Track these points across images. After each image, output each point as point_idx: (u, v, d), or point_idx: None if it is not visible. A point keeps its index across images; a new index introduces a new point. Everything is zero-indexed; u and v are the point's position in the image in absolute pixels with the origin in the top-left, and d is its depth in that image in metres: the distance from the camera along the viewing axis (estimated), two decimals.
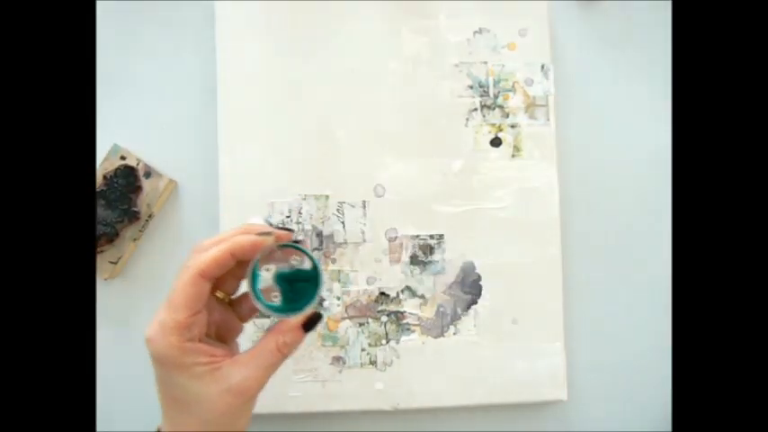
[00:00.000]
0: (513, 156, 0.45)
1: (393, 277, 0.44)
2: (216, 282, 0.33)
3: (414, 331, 0.44)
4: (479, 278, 0.45)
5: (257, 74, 0.45)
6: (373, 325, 0.44)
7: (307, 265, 0.33)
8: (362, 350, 0.44)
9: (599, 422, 0.46)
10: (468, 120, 0.46)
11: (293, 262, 0.33)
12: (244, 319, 0.36)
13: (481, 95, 0.46)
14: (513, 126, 0.46)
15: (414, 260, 0.45)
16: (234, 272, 0.33)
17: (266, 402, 0.43)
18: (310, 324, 0.33)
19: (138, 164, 0.45)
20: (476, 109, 0.46)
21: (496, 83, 0.46)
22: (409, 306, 0.44)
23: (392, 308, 0.44)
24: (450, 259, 0.45)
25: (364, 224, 0.44)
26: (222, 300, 0.35)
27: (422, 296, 0.44)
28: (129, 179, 0.44)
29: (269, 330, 0.33)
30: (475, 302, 0.45)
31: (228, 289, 0.35)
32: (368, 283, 0.44)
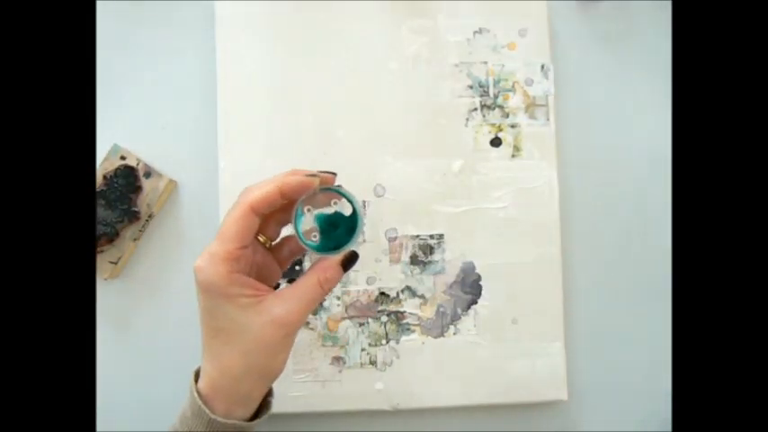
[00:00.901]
0: (513, 156, 0.45)
1: (393, 277, 0.44)
2: (259, 226, 0.34)
3: (414, 331, 0.44)
4: (479, 278, 0.45)
5: (257, 74, 0.45)
6: (373, 325, 0.44)
7: (346, 210, 0.35)
8: (362, 350, 0.44)
9: (599, 422, 0.46)
10: (468, 120, 0.46)
11: (333, 205, 0.35)
12: (283, 265, 0.38)
13: (481, 95, 0.46)
14: (513, 126, 0.46)
15: (414, 260, 0.45)
16: (277, 217, 0.36)
17: None
18: (349, 262, 0.35)
19: (138, 164, 0.45)
20: (476, 109, 0.46)
21: (496, 83, 0.46)
22: (409, 306, 0.44)
23: (392, 308, 0.44)
24: (450, 259, 0.45)
25: (364, 224, 0.44)
26: (264, 244, 0.36)
27: (422, 296, 0.44)
28: (128, 179, 0.45)
29: (310, 268, 0.35)
30: (475, 302, 0.45)
31: (271, 234, 0.37)
32: (368, 283, 0.44)
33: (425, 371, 0.44)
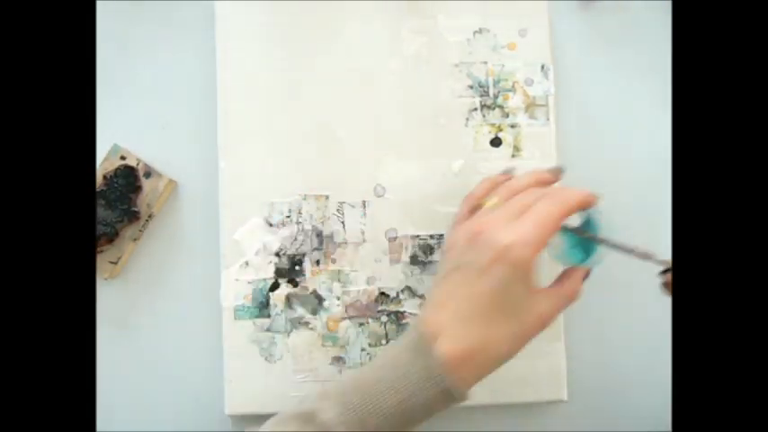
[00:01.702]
0: (513, 156, 0.45)
1: (393, 277, 0.44)
2: None
3: None
4: None
5: (257, 74, 0.45)
6: (373, 325, 0.44)
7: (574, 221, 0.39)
8: (362, 350, 0.44)
9: (599, 422, 0.46)
10: (468, 120, 0.46)
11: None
12: None
13: (481, 95, 0.46)
14: (513, 126, 0.46)
15: (414, 260, 0.45)
16: None
17: (266, 402, 0.43)
18: (587, 277, 0.38)
19: (138, 164, 0.45)
20: (476, 109, 0.46)
21: (496, 83, 0.46)
22: (409, 306, 0.44)
23: (392, 308, 0.44)
24: None
25: (364, 224, 0.44)
26: None
27: (422, 296, 0.44)
28: (128, 179, 0.45)
29: (562, 276, 0.38)
30: None
31: None
32: (368, 283, 0.44)
33: None
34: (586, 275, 0.38)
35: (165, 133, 0.46)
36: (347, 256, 0.44)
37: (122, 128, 0.46)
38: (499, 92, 0.46)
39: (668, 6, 0.47)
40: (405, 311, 0.44)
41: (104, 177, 0.44)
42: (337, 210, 0.45)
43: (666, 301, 0.45)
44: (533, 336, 0.35)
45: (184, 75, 0.47)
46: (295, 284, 0.44)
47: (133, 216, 0.44)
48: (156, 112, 0.47)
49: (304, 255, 0.44)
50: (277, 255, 0.44)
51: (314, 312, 0.44)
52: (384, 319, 0.44)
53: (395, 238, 0.45)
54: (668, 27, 0.47)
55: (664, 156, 0.47)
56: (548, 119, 0.46)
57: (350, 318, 0.44)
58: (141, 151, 0.46)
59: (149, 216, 0.45)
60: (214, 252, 0.44)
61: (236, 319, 0.44)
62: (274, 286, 0.44)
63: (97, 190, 0.44)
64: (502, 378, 0.44)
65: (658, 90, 0.47)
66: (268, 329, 0.44)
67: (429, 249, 0.45)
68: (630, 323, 0.46)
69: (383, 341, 0.44)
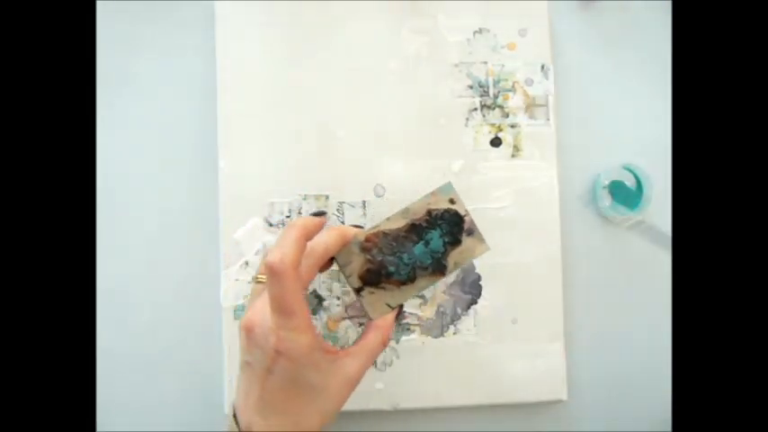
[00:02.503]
0: (513, 156, 0.45)
1: None
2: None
3: (414, 331, 0.44)
4: (479, 278, 0.45)
5: (257, 74, 0.45)
6: None
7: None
8: None
9: (599, 422, 0.46)
10: (468, 120, 0.46)
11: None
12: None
13: (481, 95, 0.46)
14: (512, 126, 0.46)
15: None
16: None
17: None
18: (398, 315, 0.38)
19: None
20: (476, 109, 0.46)
21: (496, 83, 0.46)
22: (409, 306, 0.44)
23: None
24: None
25: (364, 224, 0.44)
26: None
27: (422, 296, 0.44)
28: None
29: (371, 326, 0.37)
30: (475, 302, 0.45)
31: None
32: None
33: (425, 371, 0.44)
34: (398, 314, 0.38)
35: (165, 133, 0.46)
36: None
37: (122, 128, 0.46)
38: (499, 92, 0.46)
39: (668, 6, 0.47)
40: (405, 311, 0.44)
41: None
42: (337, 210, 0.45)
43: (666, 302, 0.45)
44: (346, 398, 0.35)
45: (184, 75, 0.47)
46: None
47: None
48: (156, 112, 0.47)
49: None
50: None
51: (314, 312, 0.44)
52: None
53: None
54: (668, 27, 0.47)
55: (664, 155, 0.47)
56: (548, 119, 0.46)
57: (350, 318, 0.44)
58: (141, 151, 0.46)
59: None
60: (214, 252, 0.44)
61: (236, 318, 0.44)
62: None
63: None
64: (502, 378, 0.44)
65: (658, 90, 0.47)
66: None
67: None
68: (630, 323, 0.46)
69: None
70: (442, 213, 0.37)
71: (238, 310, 0.44)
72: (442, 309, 0.44)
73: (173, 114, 0.47)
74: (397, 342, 0.44)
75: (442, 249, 0.37)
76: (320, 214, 0.37)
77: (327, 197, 0.45)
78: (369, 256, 0.36)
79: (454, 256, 0.37)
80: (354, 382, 0.35)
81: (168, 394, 0.45)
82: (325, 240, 0.36)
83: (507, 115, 0.46)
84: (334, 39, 0.46)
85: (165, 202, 0.46)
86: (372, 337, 0.36)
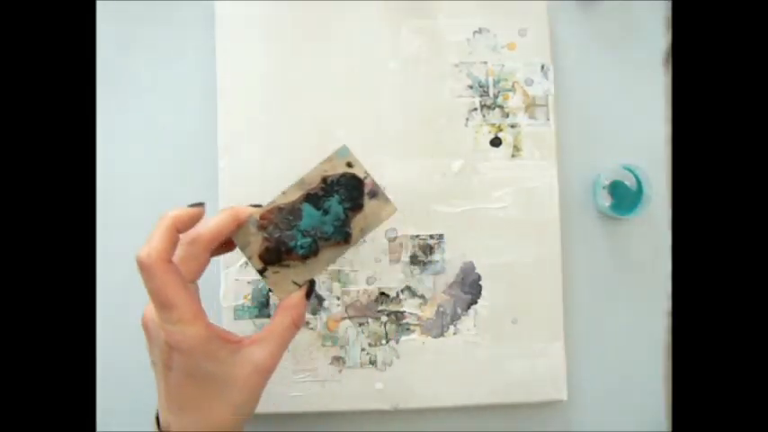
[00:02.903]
0: (513, 156, 0.45)
1: (393, 277, 0.44)
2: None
3: (414, 331, 0.44)
4: (479, 278, 0.45)
5: (257, 74, 0.45)
6: (373, 325, 0.44)
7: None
8: (362, 350, 0.44)
9: (599, 422, 0.46)
10: (468, 120, 0.46)
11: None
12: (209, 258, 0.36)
13: (481, 95, 0.46)
14: (512, 126, 0.46)
15: (414, 260, 0.45)
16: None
17: (266, 402, 0.43)
18: (309, 293, 0.36)
19: None
20: (476, 109, 0.46)
21: (496, 83, 0.46)
22: (409, 306, 0.44)
23: (392, 308, 0.44)
24: (450, 259, 0.45)
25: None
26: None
27: (422, 296, 0.44)
28: None
29: (279, 308, 0.35)
30: (475, 302, 0.45)
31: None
32: (368, 283, 0.44)
33: (425, 371, 0.44)
34: (308, 293, 0.36)
35: (165, 133, 0.46)
36: (347, 256, 0.44)
37: (122, 128, 0.46)
38: (499, 92, 0.46)
39: (668, 6, 0.47)
40: (405, 311, 0.44)
41: None
42: None
43: (667, 301, 0.45)
44: (258, 388, 0.33)
45: (184, 75, 0.47)
46: None
47: None
48: (156, 112, 0.47)
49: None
50: None
51: (314, 312, 0.44)
52: (384, 318, 0.44)
53: (395, 238, 0.45)
54: (668, 27, 0.47)
55: (664, 155, 0.47)
56: (548, 119, 0.46)
57: (350, 318, 0.44)
58: (141, 151, 0.46)
59: None
60: None
61: (236, 318, 0.44)
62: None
63: None
64: (502, 378, 0.44)
65: (658, 90, 0.47)
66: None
67: (429, 249, 0.45)
68: (630, 323, 0.46)
69: (383, 341, 0.44)
70: (338, 178, 0.35)
71: (238, 311, 0.44)
72: (441, 309, 0.44)
73: (173, 114, 0.47)
74: (398, 342, 0.44)
75: (342, 216, 0.35)
76: (198, 205, 0.34)
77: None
78: (266, 234, 0.34)
79: (359, 222, 0.35)
80: (265, 371, 0.33)
81: None
82: (215, 224, 0.34)
83: (507, 115, 0.46)
84: (334, 39, 0.46)
85: (165, 202, 0.46)
86: (280, 320, 0.34)
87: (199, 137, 0.46)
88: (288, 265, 0.35)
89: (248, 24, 0.45)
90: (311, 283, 0.36)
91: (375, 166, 0.45)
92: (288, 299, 0.35)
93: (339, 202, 0.35)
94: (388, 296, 0.44)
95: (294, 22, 0.46)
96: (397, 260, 0.45)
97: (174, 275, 0.31)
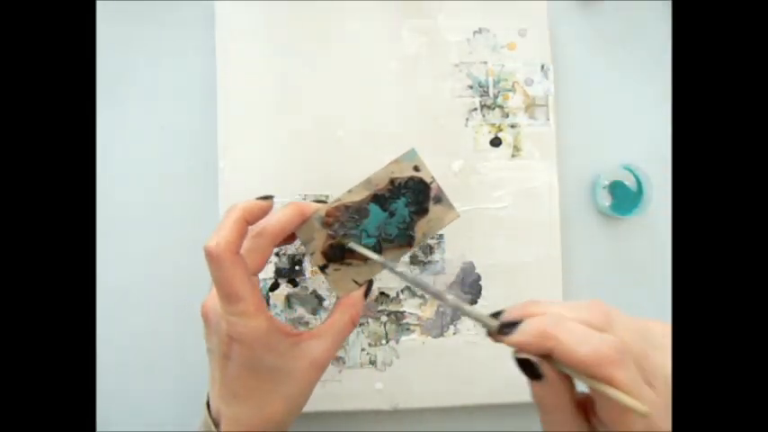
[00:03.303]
0: (512, 156, 0.45)
1: (393, 277, 0.44)
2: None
3: (414, 331, 0.44)
4: (479, 278, 0.45)
5: (257, 74, 0.45)
6: (373, 325, 0.44)
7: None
8: (362, 350, 0.44)
9: None
10: (468, 120, 0.46)
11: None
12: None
13: (481, 95, 0.46)
14: (512, 126, 0.46)
15: (414, 260, 0.45)
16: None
17: None
18: (367, 292, 0.36)
19: None
20: (476, 109, 0.46)
21: (496, 83, 0.46)
22: (409, 306, 0.44)
23: (392, 308, 0.44)
24: (451, 259, 0.45)
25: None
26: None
27: (422, 296, 0.44)
28: None
29: (338, 304, 0.35)
30: (475, 302, 0.45)
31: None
32: None
33: (425, 371, 0.44)
34: (367, 290, 0.36)
35: (165, 133, 0.46)
36: None
37: (122, 128, 0.46)
38: (499, 92, 0.46)
39: (668, 6, 0.47)
40: (405, 311, 0.44)
41: None
42: None
43: (666, 302, 0.45)
44: (313, 381, 0.34)
45: (184, 75, 0.47)
46: (295, 284, 0.44)
47: None
48: (156, 112, 0.47)
49: (304, 255, 0.44)
50: (277, 255, 0.44)
51: (314, 312, 0.44)
52: (384, 319, 0.44)
53: None
54: (668, 27, 0.47)
55: (664, 155, 0.47)
56: (548, 119, 0.46)
57: None
58: (141, 151, 0.46)
59: None
60: None
61: None
62: (274, 286, 0.44)
63: None
64: (502, 378, 0.44)
65: (658, 90, 0.47)
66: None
67: (429, 249, 0.45)
68: None
69: (383, 341, 0.44)
70: (406, 181, 0.35)
71: None
72: (442, 309, 0.44)
73: (173, 114, 0.47)
74: (398, 342, 0.44)
75: (408, 219, 0.35)
76: (266, 198, 0.34)
77: (327, 197, 0.45)
78: (331, 232, 0.35)
79: (422, 226, 0.35)
80: (321, 365, 0.34)
81: (168, 394, 0.45)
82: (279, 218, 0.34)
83: (507, 115, 0.46)
84: (334, 39, 0.46)
85: (166, 202, 0.46)
86: (339, 317, 0.35)
87: (199, 137, 0.46)
88: (350, 264, 0.35)
89: (248, 24, 0.45)
90: (370, 283, 0.36)
91: (375, 166, 0.45)
92: (348, 297, 0.35)
93: (405, 204, 0.35)
94: (388, 296, 0.44)
95: (294, 23, 0.46)
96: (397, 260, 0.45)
97: (241, 267, 0.31)
